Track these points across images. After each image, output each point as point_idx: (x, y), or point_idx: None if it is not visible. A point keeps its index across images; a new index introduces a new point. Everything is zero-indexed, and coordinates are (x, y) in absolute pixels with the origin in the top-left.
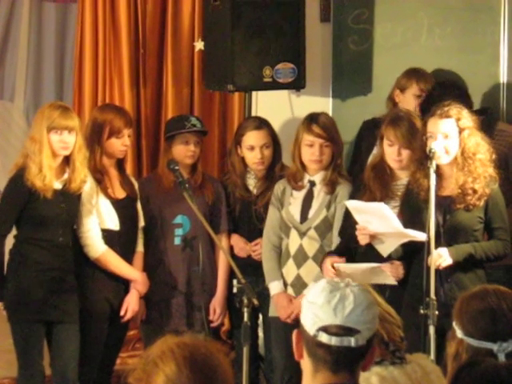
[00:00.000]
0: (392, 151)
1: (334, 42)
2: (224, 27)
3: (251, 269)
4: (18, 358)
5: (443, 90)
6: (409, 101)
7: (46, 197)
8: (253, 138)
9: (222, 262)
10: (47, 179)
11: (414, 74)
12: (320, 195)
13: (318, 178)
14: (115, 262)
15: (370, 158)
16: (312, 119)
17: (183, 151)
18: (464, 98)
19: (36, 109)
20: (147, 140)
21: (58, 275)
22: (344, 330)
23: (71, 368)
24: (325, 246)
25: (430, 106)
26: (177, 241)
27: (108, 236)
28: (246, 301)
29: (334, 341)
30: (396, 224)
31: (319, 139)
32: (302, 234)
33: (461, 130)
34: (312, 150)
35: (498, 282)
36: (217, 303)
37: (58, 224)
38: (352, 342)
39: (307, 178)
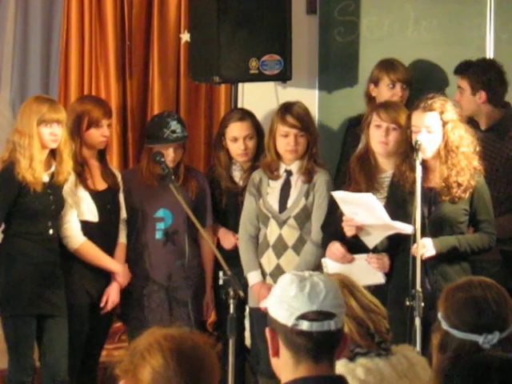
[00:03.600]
0: (379, 133)
1: (321, 34)
2: (210, 19)
3: (237, 261)
4: (9, 352)
5: (488, 65)
6: (383, 93)
7: (36, 190)
8: (236, 130)
9: (207, 256)
10: (37, 172)
11: (384, 65)
12: (298, 184)
13: (294, 167)
14: (94, 254)
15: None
16: (286, 109)
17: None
18: (504, 78)
19: (22, 100)
20: (133, 132)
21: (48, 269)
22: (323, 315)
23: (62, 362)
24: (304, 234)
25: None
26: (158, 235)
27: (87, 227)
28: (231, 292)
29: (315, 326)
30: (383, 215)
31: (294, 129)
32: (282, 224)
33: (444, 123)
34: (287, 141)
35: (494, 277)
36: (209, 299)
37: (48, 217)
38: (332, 325)
39: (283, 167)
